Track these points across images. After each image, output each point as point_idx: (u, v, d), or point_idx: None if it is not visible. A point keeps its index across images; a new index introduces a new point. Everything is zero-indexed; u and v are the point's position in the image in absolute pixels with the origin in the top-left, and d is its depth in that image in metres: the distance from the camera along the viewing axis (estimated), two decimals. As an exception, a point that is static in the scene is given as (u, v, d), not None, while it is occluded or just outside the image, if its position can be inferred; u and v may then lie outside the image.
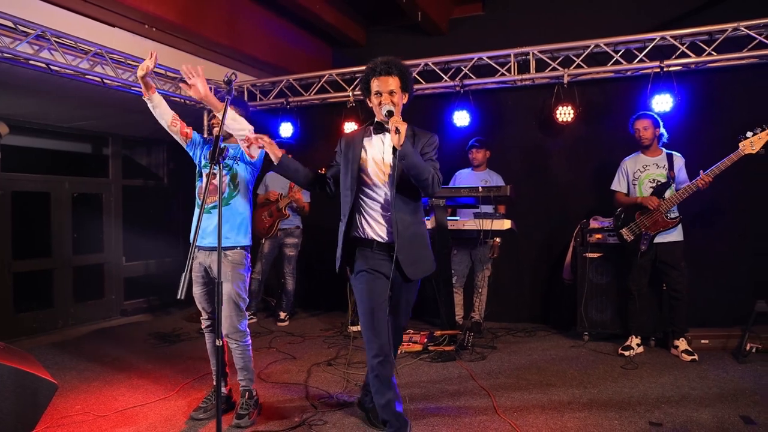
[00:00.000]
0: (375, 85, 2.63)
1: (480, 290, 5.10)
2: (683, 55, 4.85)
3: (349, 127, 5.93)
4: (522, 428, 2.98)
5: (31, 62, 4.42)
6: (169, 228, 7.21)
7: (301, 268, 6.12)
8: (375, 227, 2.70)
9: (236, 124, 2.84)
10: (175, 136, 3.21)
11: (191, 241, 2.05)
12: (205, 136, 3.34)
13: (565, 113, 5.17)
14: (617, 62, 5.07)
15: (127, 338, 5.35)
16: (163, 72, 5.68)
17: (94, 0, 4.55)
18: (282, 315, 5.82)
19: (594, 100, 5.34)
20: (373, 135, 2.75)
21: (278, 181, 5.79)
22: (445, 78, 5.62)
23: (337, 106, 6.09)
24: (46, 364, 4.07)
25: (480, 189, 4.31)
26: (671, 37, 4.86)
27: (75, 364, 4.38)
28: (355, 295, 2.78)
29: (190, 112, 6.24)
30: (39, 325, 5.75)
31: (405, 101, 2.72)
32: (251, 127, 2.91)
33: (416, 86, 5.73)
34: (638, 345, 4.43)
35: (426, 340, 4.56)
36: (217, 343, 2.10)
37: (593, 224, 4.88)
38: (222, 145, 2.19)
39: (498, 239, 5.01)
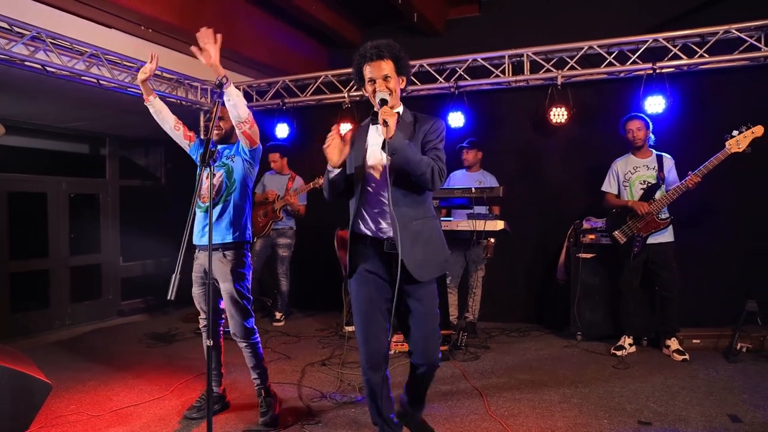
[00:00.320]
0: (367, 71, 2.43)
1: (474, 290, 5.13)
2: (675, 57, 4.89)
3: (345, 128, 5.95)
4: (512, 428, 3.01)
5: (26, 63, 4.45)
6: (166, 228, 7.22)
7: (298, 269, 6.16)
8: (376, 224, 2.47)
9: (235, 110, 2.87)
10: (177, 140, 3.23)
11: (183, 241, 2.07)
12: (202, 136, 3.36)
13: (558, 114, 5.21)
14: (610, 64, 5.11)
15: (124, 338, 5.37)
16: (159, 73, 5.70)
17: (91, 1, 4.56)
18: (278, 315, 5.85)
19: (587, 102, 5.37)
20: (370, 126, 2.57)
21: (276, 182, 5.83)
22: (440, 79, 5.66)
23: (333, 107, 6.12)
24: (42, 364, 4.08)
25: (473, 190, 4.34)
26: (664, 39, 4.90)
27: (70, 364, 4.41)
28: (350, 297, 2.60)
29: (187, 113, 6.27)
30: (35, 325, 5.78)
31: (403, 85, 2.52)
32: (249, 113, 2.94)
33: (411, 87, 5.77)
34: (630, 345, 4.46)
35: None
36: (208, 343, 2.12)
37: (586, 225, 4.91)
38: (213, 148, 2.20)
39: (492, 240, 5.03)
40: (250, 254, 3.23)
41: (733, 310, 4.32)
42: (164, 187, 7.59)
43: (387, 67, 2.42)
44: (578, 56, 5.18)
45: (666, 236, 4.30)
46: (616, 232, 4.40)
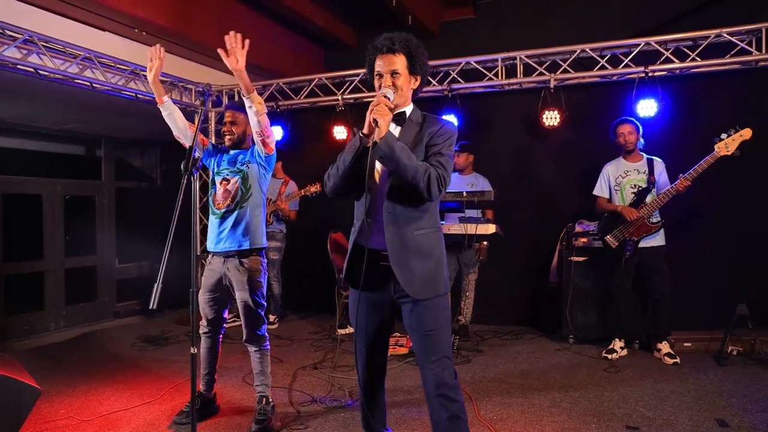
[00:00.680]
0: (377, 64, 2.22)
1: (467, 293, 5.14)
2: (668, 60, 4.89)
3: (339, 130, 5.97)
4: (500, 432, 3.03)
5: (19, 67, 4.45)
6: (162, 230, 7.22)
7: (292, 272, 6.17)
8: (376, 234, 2.22)
9: (257, 117, 2.92)
10: (187, 144, 3.19)
11: (165, 250, 2.08)
12: (213, 141, 3.36)
13: (551, 117, 5.22)
14: (603, 67, 5.11)
15: (117, 341, 5.38)
16: (153, 76, 5.69)
17: (84, 4, 4.57)
18: (271, 318, 5.85)
19: (580, 105, 5.38)
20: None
21: (270, 185, 5.83)
22: (434, 82, 5.66)
23: (327, 110, 6.13)
24: (34, 368, 4.11)
25: (464, 194, 4.35)
26: (656, 42, 4.90)
27: (63, 367, 4.42)
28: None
29: (189, 116, 6.26)
30: (30, 327, 5.79)
31: (415, 85, 2.29)
32: (268, 121, 3.00)
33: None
34: (622, 348, 4.47)
35: (412, 343, 4.59)
36: (192, 351, 2.12)
37: (579, 228, 4.92)
38: (195, 155, 2.20)
39: (485, 243, 5.05)
40: (266, 261, 3.24)
41: (722, 312, 4.33)
42: (160, 189, 7.60)
43: (398, 62, 2.21)
44: (571, 59, 5.18)
45: (657, 240, 4.31)
46: (608, 237, 4.41)
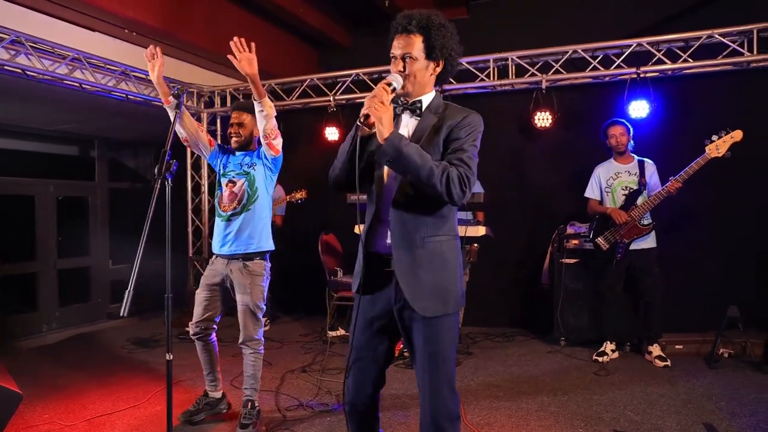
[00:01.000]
0: (393, 45, 1.97)
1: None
2: (660, 61, 4.87)
3: (330, 131, 5.95)
4: (485, 437, 3.01)
5: (6, 68, 4.42)
6: (158, 231, 7.20)
7: (283, 273, 6.13)
8: (383, 238, 1.97)
9: (266, 120, 2.94)
10: (194, 146, 3.19)
11: (138, 253, 2.05)
12: (219, 143, 3.35)
13: (543, 118, 5.19)
14: (595, 68, 5.08)
15: (108, 343, 5.37)
16: (144, 77, 5.68)
17: (72, 5, 4.54)
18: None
19: (572, 106, 5.35)
20: (402, 114, 2.04)
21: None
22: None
23: (319, 111, 6.11)
24: (21, 371, 4.11)
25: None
26: (648, 43, 4.88)
27: (50, 370, 4.40)
28: None
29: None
30: (23, 329, 5.77)
31: (435, 71, 1.98)
32: (275, 124, 3.02)
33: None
34: (613, 351, 4.45)
35: (402, 345, 4.57)
36: (167, 357, 2.10)
37: (570, 230, 4.90)
38: (169, 160, 2.18)
39: (476, 245, 5.02)
40: (269, 265, 3.23)
41: (714, 314, 4.31)
42: (154, 190, 7.57)
43: (414, 43, 1.92)
44: (563, 60, 5.16)
45: (648, 242, 4.28)
46: (599, 239, 4.38)
